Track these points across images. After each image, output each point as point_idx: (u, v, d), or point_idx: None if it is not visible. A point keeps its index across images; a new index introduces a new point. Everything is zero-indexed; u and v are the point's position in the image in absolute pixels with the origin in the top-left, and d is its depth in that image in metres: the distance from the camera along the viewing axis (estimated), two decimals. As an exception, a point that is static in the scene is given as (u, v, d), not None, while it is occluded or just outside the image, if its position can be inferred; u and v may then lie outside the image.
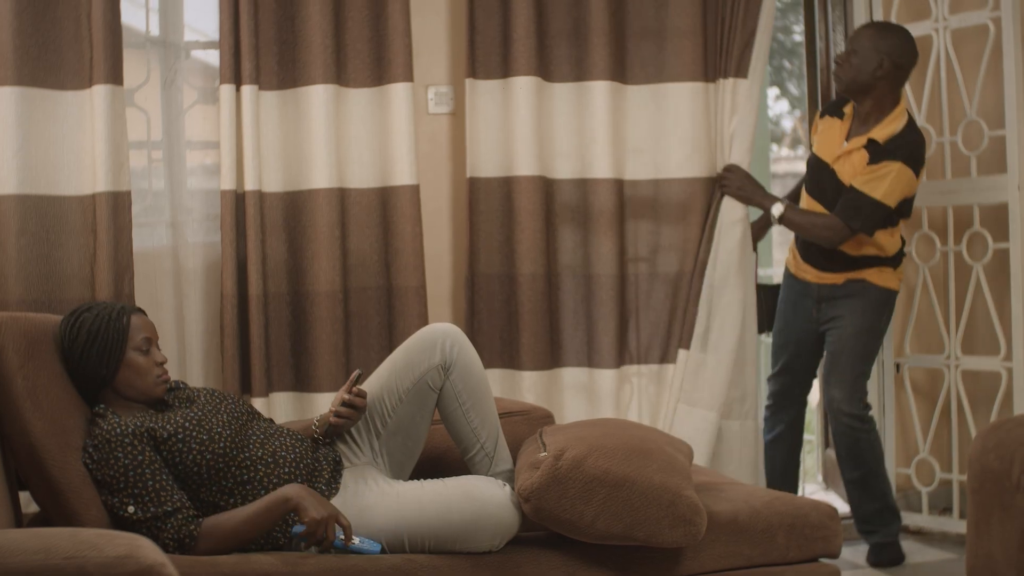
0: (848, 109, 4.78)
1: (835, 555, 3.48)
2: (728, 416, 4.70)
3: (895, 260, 4.77)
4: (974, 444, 3.15)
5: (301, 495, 3.05)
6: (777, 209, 4.67)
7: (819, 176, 4.79)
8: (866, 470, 4.77)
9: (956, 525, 5.00)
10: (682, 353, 4.68)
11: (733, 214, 4.68)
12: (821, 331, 4.85)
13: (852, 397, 4.74)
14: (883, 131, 4.62)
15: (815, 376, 5.05)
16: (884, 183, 4.55)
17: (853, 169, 4.65)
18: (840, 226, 4.60)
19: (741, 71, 4.66)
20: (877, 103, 4.67)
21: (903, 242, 4.81)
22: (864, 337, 4.76)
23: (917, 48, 4.71)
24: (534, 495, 3.17)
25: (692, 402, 4.67)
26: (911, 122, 4.67)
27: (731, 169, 4.66)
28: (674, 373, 4.69)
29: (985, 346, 5.17)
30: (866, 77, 4.63)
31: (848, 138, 4.72)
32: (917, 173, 4.63)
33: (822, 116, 4.89)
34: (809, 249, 4.82)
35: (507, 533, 3.22)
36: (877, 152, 4.59)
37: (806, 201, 4.83)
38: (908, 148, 4.61)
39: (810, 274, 4.84)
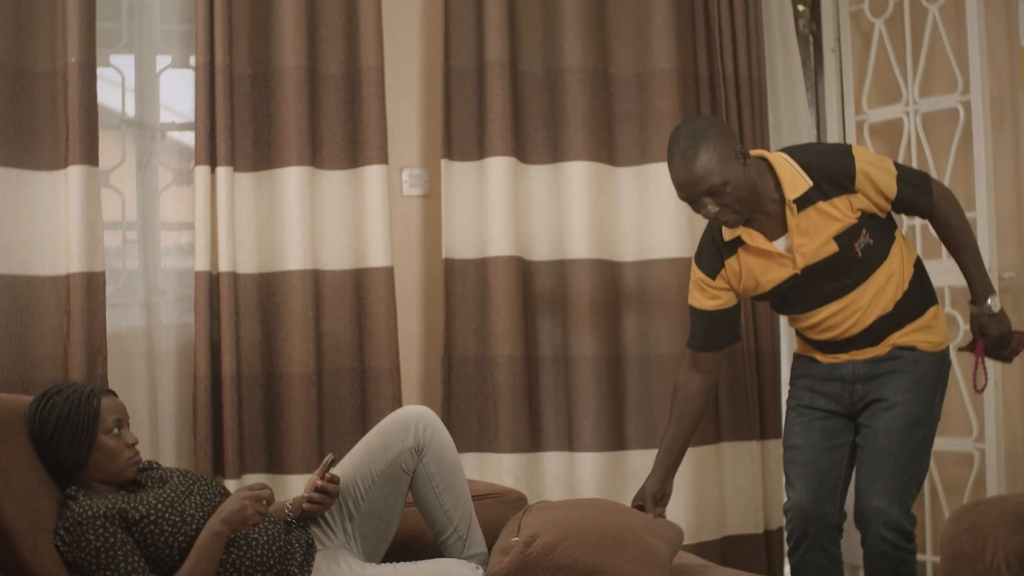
0: (734, 234, 3.68)
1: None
2: None
3: (927, 284, 3.79)
4: (947, 526, 3.15)
5: (226, 523, 3.10)
6: (995, 302, 3.69)
7: (794, 289, 3.67)
8: None
9: (931, 607, 4.99)
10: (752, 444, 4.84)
11: None
12: (854, 416, 3.76)
13: (902, 509, 3.57)
14: (790, 185, 3.56)
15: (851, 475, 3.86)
16: (870, 161, 3.60)
17: (820, 229, 3.56)
18: (947, 195, 3.68)
19: None
20: (763, 188, 3.59)
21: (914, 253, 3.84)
22: (918, 429, 3.64)
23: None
24: (504, 580, 3.15)
25: None
26: (782, 152, 3.67)
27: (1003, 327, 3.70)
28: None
29: (957, 427, 5.17)
30: (750, 192, 3.54)
31: (776, 238, 3.63)
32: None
33: (726, 260, 3.72)
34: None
35: (479, 617, 3.20)
36: (816, 193, 3.55)
37: (792, 318, 3.83)
38: (817, 152, 3.67)
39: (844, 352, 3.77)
